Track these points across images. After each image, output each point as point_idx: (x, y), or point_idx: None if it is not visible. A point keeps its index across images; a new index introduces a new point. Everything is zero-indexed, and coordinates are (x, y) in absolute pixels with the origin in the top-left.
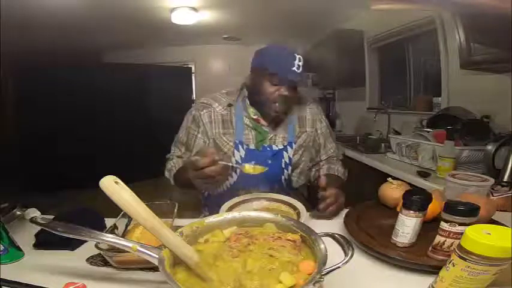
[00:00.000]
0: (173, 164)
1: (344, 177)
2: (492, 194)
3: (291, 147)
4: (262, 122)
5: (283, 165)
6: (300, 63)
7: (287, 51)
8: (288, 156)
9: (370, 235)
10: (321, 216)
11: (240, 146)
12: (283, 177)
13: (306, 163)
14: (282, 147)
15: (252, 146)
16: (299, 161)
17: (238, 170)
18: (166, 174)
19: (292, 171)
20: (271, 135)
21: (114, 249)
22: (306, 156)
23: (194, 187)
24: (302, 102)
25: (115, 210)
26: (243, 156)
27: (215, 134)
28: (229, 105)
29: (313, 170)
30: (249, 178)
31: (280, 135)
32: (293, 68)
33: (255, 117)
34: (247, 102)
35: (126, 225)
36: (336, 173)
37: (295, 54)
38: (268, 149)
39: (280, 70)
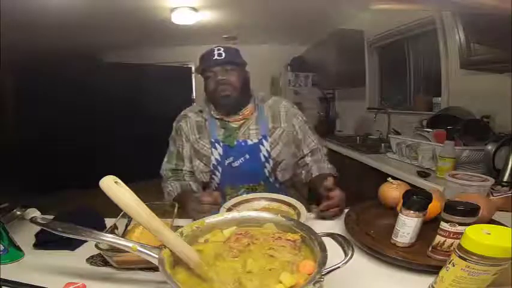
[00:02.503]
0: (171, 188)
1: (335, 173)
2: (492, 194)
3: (266, 141)
4: (226, 118)
5: (262, 159)
6: (221, 51)
7: (209, 49)
8: (266, 149)
9: (370, 235)
10: (321, 216)
11: (216, 144)
12: (266, 171)
13: (289, 160)
14: (257, 140)
15: (226, 143)
16: (279, 156)
17: (220, 168)
18: (166, 197)
19: (276, 167)
20: (242, 130)
21: (114, 249)
22: (286, 152)
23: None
24: (265, 98)
25: (115, 210)
26: (221, 153)
27: (193, 140)
28: (200, 111)
29: (303, 171)
30: (231, 173)
31: (252, 129)
32: (214, 58)
33: (218, 116)
34: (212, 106)
35: (126, 225)
36: (328, 171)
37: (214, 48)
38: (243, 143)
39: (205, 62)
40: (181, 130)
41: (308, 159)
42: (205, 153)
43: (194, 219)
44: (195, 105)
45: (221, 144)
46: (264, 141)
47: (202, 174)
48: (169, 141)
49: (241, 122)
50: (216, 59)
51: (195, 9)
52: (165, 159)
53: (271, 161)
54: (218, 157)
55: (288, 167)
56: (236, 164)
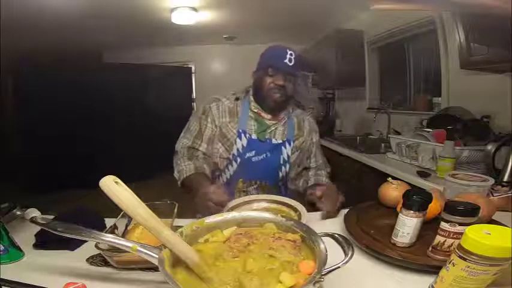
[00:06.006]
0: (184, 167)
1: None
2: (492, 194)
3: (289, 145)
4: (263, 114)
5: (281, 161)
6: (292, 57)
7: (281, 47)
8: (287, 152)
9: (370, 235)
10: (329, 216)
11: (242, 135)
12: (280, 174)
13: (297, 171)
14: (281, 141)
15: (254, 136)
16: (295, 163)
17: (239, 160)
18: (176, 174)
19: (289, 172)
20: (272, 128)
21: (114, 249)
22: (299, 162)
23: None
24: (301, 106)
25: (115, 210)
26: (244, 145)
27: (222, 123)
28: (237, 98)
29: (302, 180)
30: (247, 168)
31: (279, 130)
32: (285, 61)
33: (255, 110)
34: (251, 98)
35: (126, 225)
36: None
37: (287, 50)
38: (268, 141)
39: (274, 62)
40: (210, 111)
41: (311, 172)
42: (230, 138)
43: (197, 211)
44: (226, 95)
45: (247, 136)
46: (287, 144)
47: (220, 159)
48: (191, 119)
49: (273, 122)
50: (286, 63)
51: (195, 9)
52: (182, 135)
53: (287, 165)
54: (240, 148)
55: (293, 176)
56: (256, 159)
